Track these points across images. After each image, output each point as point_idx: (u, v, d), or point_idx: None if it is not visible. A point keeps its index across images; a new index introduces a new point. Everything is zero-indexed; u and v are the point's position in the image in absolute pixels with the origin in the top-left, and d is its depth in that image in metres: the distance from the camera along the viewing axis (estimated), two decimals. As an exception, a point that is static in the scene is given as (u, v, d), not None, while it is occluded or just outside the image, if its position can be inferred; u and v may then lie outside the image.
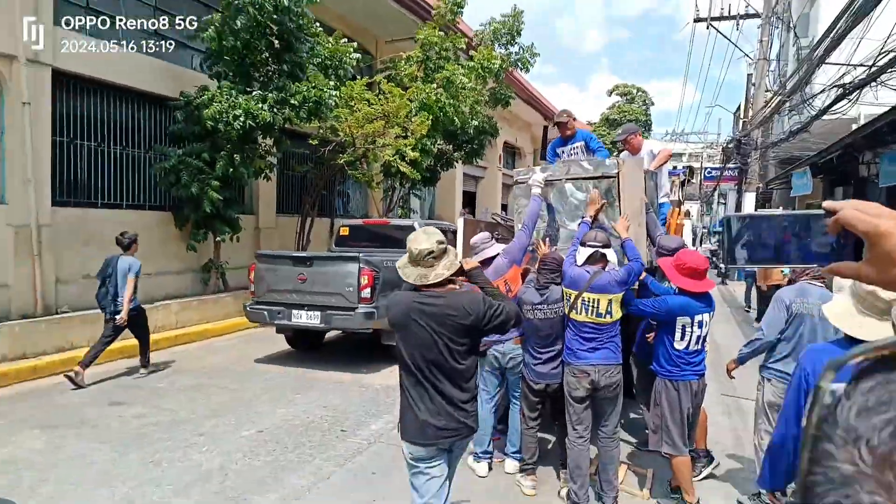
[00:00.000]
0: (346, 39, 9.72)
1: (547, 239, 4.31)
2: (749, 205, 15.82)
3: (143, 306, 6.39)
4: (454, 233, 6.04)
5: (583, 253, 3.50)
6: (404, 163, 10.14)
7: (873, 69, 8.53)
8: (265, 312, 6.82)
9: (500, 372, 4.08)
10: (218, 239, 9.23)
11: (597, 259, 3.47)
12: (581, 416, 3.46)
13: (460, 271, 2.56)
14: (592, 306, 3.39)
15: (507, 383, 4.17)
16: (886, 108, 9.08)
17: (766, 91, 18.27)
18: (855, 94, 9.50)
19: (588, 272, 3.42)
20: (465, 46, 12.00)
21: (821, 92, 14.38)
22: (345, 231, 8.39)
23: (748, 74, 18.49)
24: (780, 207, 18.54)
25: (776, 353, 3.52)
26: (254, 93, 8.18)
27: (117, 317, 5.94)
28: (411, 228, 7.55)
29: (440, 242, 2.49)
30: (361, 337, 7.75)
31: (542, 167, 4.57)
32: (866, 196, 13.43)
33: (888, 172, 10.66)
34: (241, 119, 7.89)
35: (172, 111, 8.75)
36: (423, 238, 2.49)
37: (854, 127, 12.34)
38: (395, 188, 12.57)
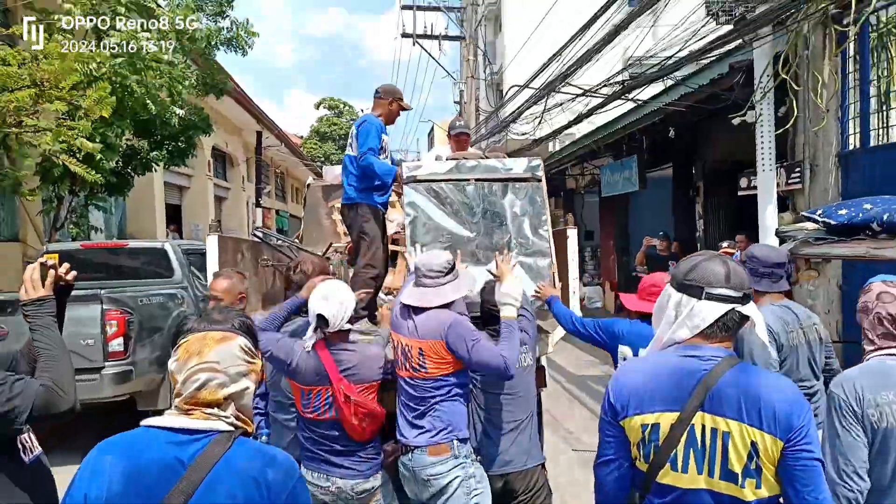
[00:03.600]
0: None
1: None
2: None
3: None
4: (202, 254, 3.94)
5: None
6: (75, 160, 7.01)
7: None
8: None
9: None
10: None
11: None
12: None
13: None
14: None
15: None
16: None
17: (477, 110, 19.50)
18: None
19: None
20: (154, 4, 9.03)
21: (512, 118, 15.93)
22: (52, 258, 5.20)
23: (460, 91, 19.37)
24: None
25: None
26: None
27: None
28: (161, 252, 6.16)
29: None
30: (108, 406, 5.32)
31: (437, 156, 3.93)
32: (573, 204, 15.08)
33: (608, 183, 11.76)
34: None
35: None
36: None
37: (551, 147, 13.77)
38: (63, 197, 8.94)
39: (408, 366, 2.52)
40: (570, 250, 3.61)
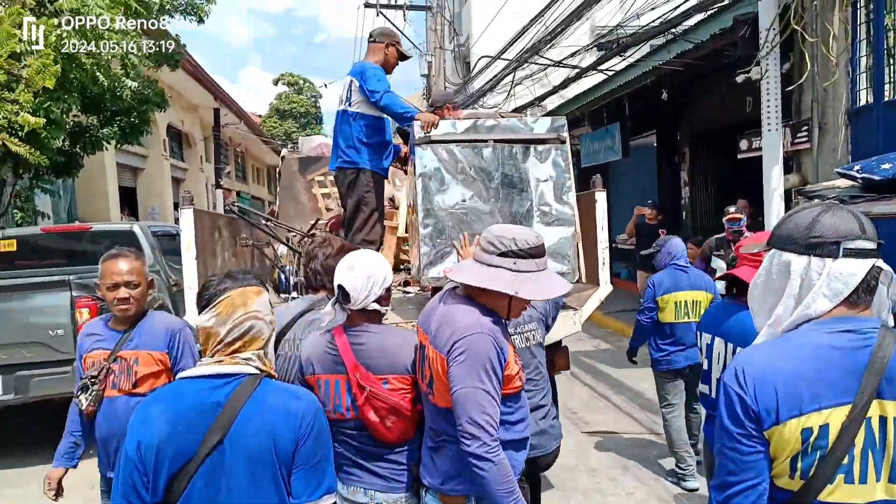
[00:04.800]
0: None
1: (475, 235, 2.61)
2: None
3: None
4: (172, 237, 3.44)
5: None
6: (16, 140, 6.27)
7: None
8: None
9: None
10: None
11: None
12: None
13: None
14: None
15: None
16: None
17: (445, 84, 18.91)
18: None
19: None
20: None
21: (483, 91, 15.56)
22: (10, 245, 5.76)
23: (428, 63, 18.69)
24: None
25: None
26: None
27: None
28: (130, 234, 5.63)
29: None
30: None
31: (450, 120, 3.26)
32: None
33: (588, 153, 11.45)
34: None
35: None
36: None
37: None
38: (5, 180, 8.11)
39: (425, 380, 1.90)
40: (598, 216, 3.24)
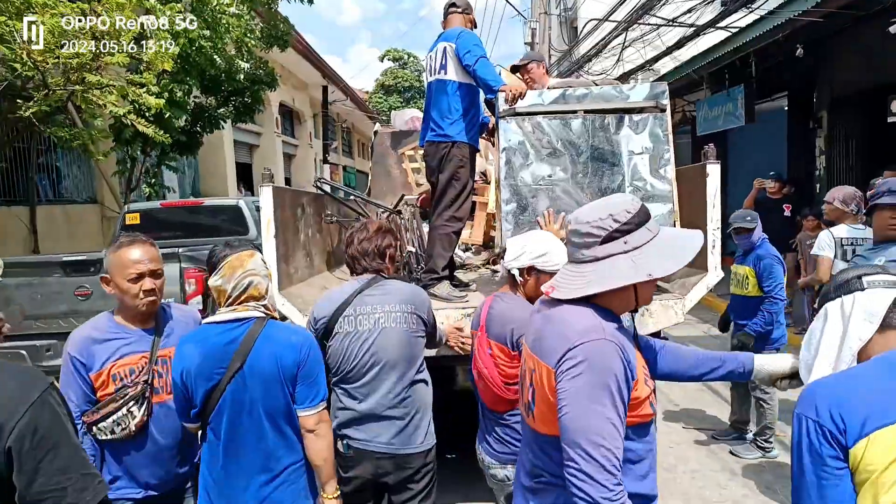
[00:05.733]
0: None
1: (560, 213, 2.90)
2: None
3: None
4: (258, 209, 3.54)
5: None
6: (143, 121, 6.75)
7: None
8: (23, 352, 4.69)
9: None
10: None
11: None
12: None
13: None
14: None
15: None
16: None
17: (550, 51, 18.14)
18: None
19: None
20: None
21: (589, 56, 14.67)
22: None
23: (532, 30, 17.97)
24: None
25: None
26: None
27: None
28: (236, 210, 6.17)
29: None
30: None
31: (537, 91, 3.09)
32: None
33: (706, 119, 10.47)
34: None
35: None
36: None
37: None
38: (136, 158, 8.86)
39: (523, 399, 1.54)
40: (709, 192, 2.83)
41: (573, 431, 1.25)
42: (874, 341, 1.21)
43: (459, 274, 4.00)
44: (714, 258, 2.84)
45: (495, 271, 4.31)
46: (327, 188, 4.51)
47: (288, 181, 17.64)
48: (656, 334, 2.92)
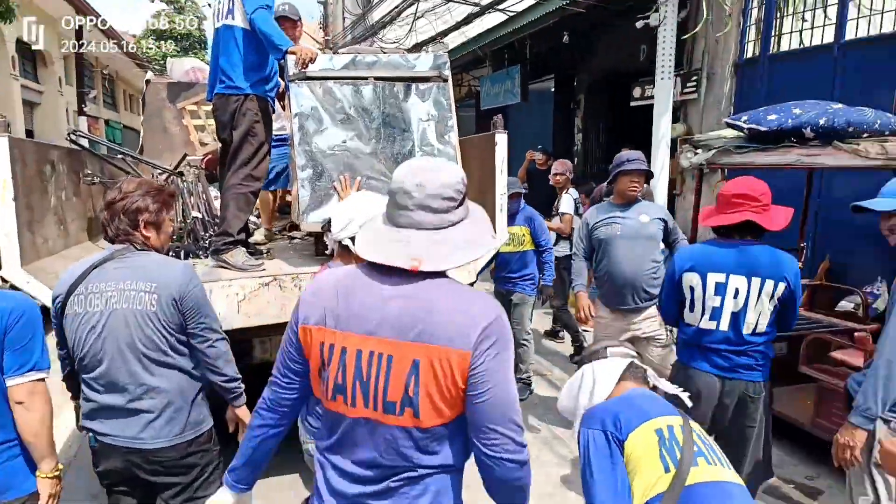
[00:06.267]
0: None
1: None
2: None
3: None
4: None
5: None
6: None
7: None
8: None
9: None
10: None
11: None
12: None
13: None
14: None
15: None
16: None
17: (346, 13, 17.69)
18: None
19: None
20: None
21: (381, 26, 14.81)
22: None
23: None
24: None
25: None
26: None
27: None
28: None
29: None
30: None
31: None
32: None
33: (488, 95, 11.21)
34: None
35: None
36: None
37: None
38: None
39: (360, 396, 1.26)
40: (498, 159, 3.05)
41: (503, 408, 1.22)
42: (614, 392, 1.72)
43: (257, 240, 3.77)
44: (501, 221, 3.09)
45: (292, 237, 4.15)
46: (85, 143, 3.83)
47: (30, 133, 14.69)
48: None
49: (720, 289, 2.35)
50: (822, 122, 3.09)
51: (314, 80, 3.01)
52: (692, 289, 2.42)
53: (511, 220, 4.23)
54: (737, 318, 2.34)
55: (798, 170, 3.57)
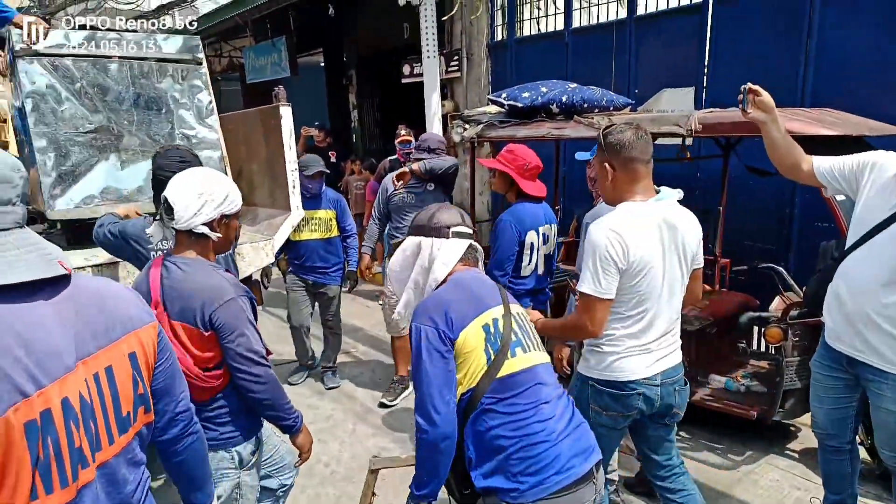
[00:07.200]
0: None
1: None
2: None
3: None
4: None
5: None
6: None
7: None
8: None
9: None
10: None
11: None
12: None
13: None
14: None
15: None
16: None
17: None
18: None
19: None
20: None
21: None
22: None
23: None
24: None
25: None
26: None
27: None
28: None
29: None
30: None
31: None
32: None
33: (254, 68, 10.53)
34: None
35: None
36: None
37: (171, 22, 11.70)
38: None
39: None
40: (284, 134, 2.96)
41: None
42: (450, 273, 1.70)
43: None
44: (295, 198, 3.02)
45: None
46: None
47: None
48: (248, 279, 2.98)
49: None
50: (564, 99, 3.62)
51: (47, 57, 2.67)
52: None
53: (315, 202, 3.87)
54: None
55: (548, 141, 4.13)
